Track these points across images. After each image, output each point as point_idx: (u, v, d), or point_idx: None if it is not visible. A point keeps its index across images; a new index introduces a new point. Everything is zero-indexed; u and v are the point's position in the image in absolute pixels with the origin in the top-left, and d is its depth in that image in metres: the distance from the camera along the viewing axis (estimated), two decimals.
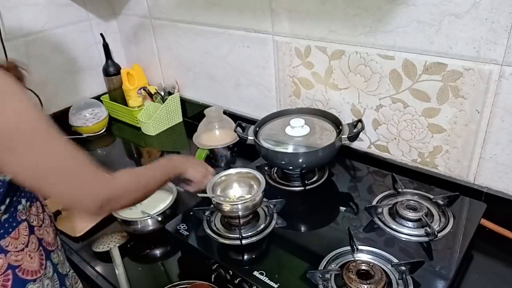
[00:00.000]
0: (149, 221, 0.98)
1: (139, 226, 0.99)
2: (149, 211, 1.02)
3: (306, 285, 0.74)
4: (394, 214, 0.89)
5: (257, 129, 1.10)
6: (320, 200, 1.00)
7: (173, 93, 1.56)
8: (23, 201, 0.73)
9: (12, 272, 0.70)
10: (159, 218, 0.98)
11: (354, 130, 1.01)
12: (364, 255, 0.79)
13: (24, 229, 0.73)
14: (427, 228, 0.83)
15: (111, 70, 1.63)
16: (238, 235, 0.85)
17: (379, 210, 0.91)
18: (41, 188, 0.65)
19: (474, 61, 0.85)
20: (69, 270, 0.85)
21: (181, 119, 1.62)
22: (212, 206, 0.96)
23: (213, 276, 0.85)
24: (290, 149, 1.02)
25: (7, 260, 0.70)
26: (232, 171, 0.99)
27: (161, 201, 1.07)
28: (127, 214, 1.03)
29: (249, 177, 0.97)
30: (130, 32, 1.66)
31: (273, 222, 0.91)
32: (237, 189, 0.98)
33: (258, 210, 0.94)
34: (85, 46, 1.63)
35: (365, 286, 0.71)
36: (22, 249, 0.72)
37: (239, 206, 0.89)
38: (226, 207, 0.90)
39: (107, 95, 1.70)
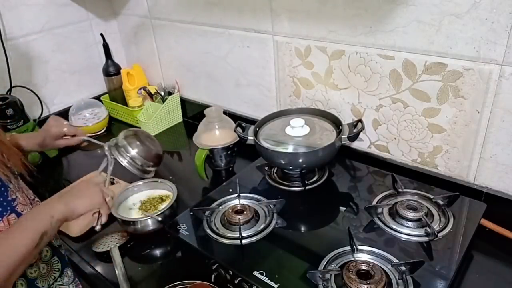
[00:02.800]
0: (149, 221, 0.98)
1: (139, 226, 0.99)
2: (149, 211, 1.03)
3: (306, 285, 0.74)
4: (394, 214, 0.89)
5: (257, 129, 1.10)
6: (320, 200, 1.00)
7: (173, 93, 1.56)
8: None
9: None
10: (159, 218, 0.98)
11: (354, 130, 1.01)
12: (364, 255, 0.79)
13: None
14: (427, 228, 0.83)
15: (111, 70, 1.63)
16: (238, 235, 0.85)
17: (379, 210, 0.91)
18: None
19: (474, 61, 0.85)
20: (54, 283, 0.78)
21: (181, 119, 1.62)
22: (212, 206, 0.96)
23: (213, 276, 0.85)
24: (290, 149, 1.02)
25: None
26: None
27: (161, 201, 1.07)
28: (127, 214, 1.03)
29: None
30: (130, 32, 1.66)
31: (273, 222, 0.91)
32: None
33: (258, 210, 0.94)
34: (85, 46, 1.63)
35: (365, 286, 0.71)
36: None
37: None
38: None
39: (107, 95, 1.70)
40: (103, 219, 0.83)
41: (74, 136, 1.12)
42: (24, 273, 0.73)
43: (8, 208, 0.71)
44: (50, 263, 0.79)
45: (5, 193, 0.72)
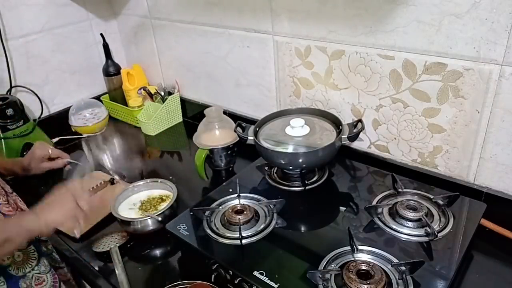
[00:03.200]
0: (149, 221, 0.98)
1: (139, 226, 0.99)
2: (149, 211, 1.02)
3: (306, 285, 0.74)
4: (394, 214, 0.89)
5: (257, 129, 1.10)
6: (320, 200, 1.00)
7: (173, 93, 1.56)
8: None
9: None
10: (159, 218, 0.98)
11: (354, 130, 1.01)
12: (364, 255, 0.79)
13: None
14: (427, 228, 0.83)
15: (111, 70, 1.63)
16: (238, 235, 0.85)
17: (379, 210, 0.91)
18: None
19: (474, 61, 0.85)
20: (30, 271, 0.78)
21: (181, 119, 1.62)
22: (212, 206, 0.96)
23: (213, 276, 0.84)
24: (290, 149, 1.02)
25: None
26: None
27: (161, 201, 1.07)
28: (127, 214, 1.03)
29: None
30: (130, 32, 1.66)
31: (273, 222, 0.91)
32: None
33: (258, 210, 0.94)
34: (85, 46, 1.63)
35: (365, 286, 0.71)
36: None
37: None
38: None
39: (107, 95, 1.70)
40: (81, 224, 0.81)
41: (58, 158, 1.17)
42: None
43: None
44: (26, 252, 0.79)
45: None
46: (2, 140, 1.27)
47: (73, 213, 0.78)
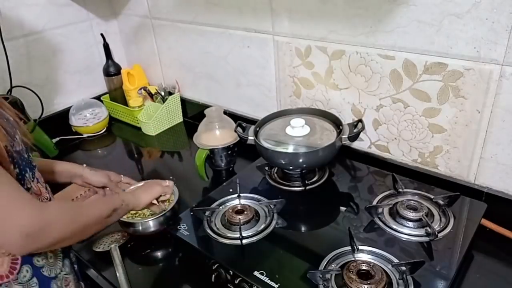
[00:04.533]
0: (151, 223, 0.98)
1: (140, 228, 0.98)
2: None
3: (306, 285, 0.74)
4: (395, 214, 0.89)
5: (258, 129, 1.10)
6: (321, 200, 1.00)
7: (174, 93, 1.56)
8: None
9: None
10: (161, 219, 0.98)
11: (355, 130, 1.01)
12: (365, 255, 0.79)
13: None
14: (428, 228, 0.83)
15: (112, 70, 1.63)
16: (238, 235, 0.85)
17: (380, 210, 0.91)
18: None
19: (475, 61, 0.85)
20: (60, 272, 0.81)
21: (181, 119, 1.62)
22: (212, 206, 0.96)
23: (213, 276, 0.84)
24: (290, 149, 1.02)
25: None
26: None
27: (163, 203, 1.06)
28: (129, 214, 1.03)
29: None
30: (131, 32, 1.66)
31: (274, 222, 0.91)
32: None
33: (258, 210, 0.94)
34: (86, 46, 1.63)
35: (366, 286, 0.71)
36: None
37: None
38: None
39: (107, 95, 1.70)
40: (165, 198, 1.01)
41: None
42: (31, 261, 0.75)
43: None
44: (56, 253, 0.80)
45: (22, 181, 0.73)
46: None
47: (161, 192, 0.98)
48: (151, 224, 0.98)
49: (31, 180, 0.76)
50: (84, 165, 1.04)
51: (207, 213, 0.94)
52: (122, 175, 1.09)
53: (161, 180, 1.02)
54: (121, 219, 0.99)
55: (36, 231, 0.63)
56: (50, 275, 0.78)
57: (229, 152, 1.23)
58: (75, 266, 0.90)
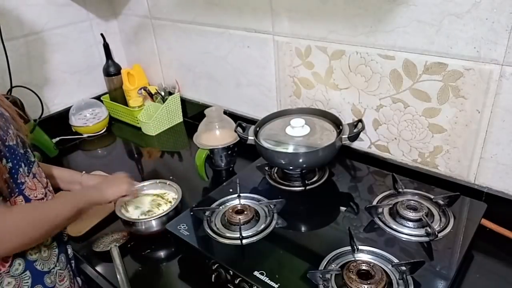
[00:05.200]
0: (153, 222, 0.98)
1: (142, 227, 0.98)
2: (153, 212, 1.02)
3: (306, 285, 0.74)
4: (395, 214, 0.89)
5: (258, 129, 1.10)
6: (321, 200, 1.00)
7: (174, 93, 1.56)
8: None
9: None
10: (164, 219, 0.98)
11: (355, 130, 1.01)
12: (365, 255, 0.79)
13: None
14: (428, 228, 0.83)
15: (112, 70, 1.63)
16: (238, 235, 0.85)
17: (380, 210, 0.91)
18: None
19: (475, 61, 0.85)
20: (54, 267, 0.82)
21: (181, 119, 1.62)
22: (212, 206, 0.96)
23: (213, 276, 0.84)
24: (290, 149, 1.02)
25: None
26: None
27: (165, 203, 1.07)
28: (130, 215, 1.03)
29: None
30: (131, 32, 1.66)
31: (274, 222, 0.91)
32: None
33: (258, 210, 0.94)
34: (86, 46, 1.63)
35: (366, 286, 0.71)
36: None
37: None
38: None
39: (107, 95, 1.70)
40: (125, 200, 1.00)
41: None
42: (23, 254, 0.75)
43: (16, 190, 0.75)
44: (50, 248, 0.80)
45: (15, 175, 0.74)
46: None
47: (126, 193, 0.96)
48: (154, 224, 0.98)
49: (25, 175, 0.77)
50: (83, 172, 1.04)
51: (207, 213, 0.94)
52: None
53: (131, 180, 1.01)
54: (123, 218, 0.99)
55: None
56: (43, 269, 0.78)
57: (229, 152, 1.23)
58: (72, 261, 0.90)
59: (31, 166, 0.80)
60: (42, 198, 0.81)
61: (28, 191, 0.77)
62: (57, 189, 0.96)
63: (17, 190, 0.75)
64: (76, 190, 0.97)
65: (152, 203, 1.07)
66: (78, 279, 0.91)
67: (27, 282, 0.75)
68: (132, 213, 1.03)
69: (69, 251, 0.89)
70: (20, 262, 0.75)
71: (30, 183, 0.78)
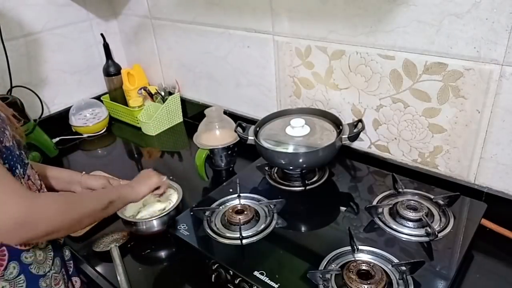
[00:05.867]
0: (154, 222, 0.98)
1: (144, 227, 0.98)
2: (154, 212, 1.02)
3: (306, 285, 0.74)
4: (395, 214, 0.89)
5: (258, 129, 1.10)
6: (321, 200, 1.00)
7: (174, 93, 1.56)
8: None
9: (6, 245, 0.70)
10: (165, 219, 0.98)
11: (355, 130, 1.01)
12: (365, 255, 0.79)
13: None
14: (428, 228, 0.83)
15: (112, 70, 1.63)
16: (238, 235, 0.85)
17: (380, 210, 0.91)
18: None
19: (475, 61, 0.85)
20: (49, 270, 0.81)
21: (181, 119, 1.62)
22: (212, 206, 0.96)
23: (213, 276, 0.84)
24: (290, 149, 1.02)
25: None
26: None
27: (167, 203, 1.06)
28: (131, 214, 1.03)
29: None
30: (131, 32, 1.66)
31: (274, 222, 0.91)
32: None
33: (258, 210, 0.94)
34: (86, 46, 1.63)
35: (366, 286, 0.71)
36: None
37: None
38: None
39: (107, 95, 1.70)
40: (160, 192, 1.00)
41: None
42: (19, 257, 0.74)
43: None
44: (45, 251, 0.80)
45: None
46: None
47: (159, 181, 0.97)
48: (155, 224, 0.98)
49: (21, 177, 0.76)
50: (83, 172, 1.03)
51: (207, 213, 0.94)
52: (120, 179, 1.08)
53: (157, 173, 1.01)
54: (124, 218, 0.99)
55: (25, 221, 0.63)
56: (38, 273, 0.77)
57: (229, 152, 1.23)
58: (69, 263, 0.89)
59: (26, 168, 0.79)
60: None
61: None
62: (55, 191, 0.96)
63: None
64: (109, 187, 0.99)
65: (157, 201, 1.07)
66: (77, 279, 0.91)
67: (22, 286, 0.74)
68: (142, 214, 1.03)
69: (66, 253, 0.89)
70: (15, 266, 0.74)
71: (25, 185, 0.77)
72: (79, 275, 0.93)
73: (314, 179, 1.06)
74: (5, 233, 0.64)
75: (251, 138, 1.06)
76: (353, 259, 0.78)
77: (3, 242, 0.71)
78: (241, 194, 0.99)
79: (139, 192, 0.92)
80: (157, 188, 0.97)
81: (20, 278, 0.74)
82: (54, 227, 0.69)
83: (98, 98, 1.68)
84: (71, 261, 0.90)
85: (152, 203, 1.06)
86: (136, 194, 0.91)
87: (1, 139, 0.72)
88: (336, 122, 1.06)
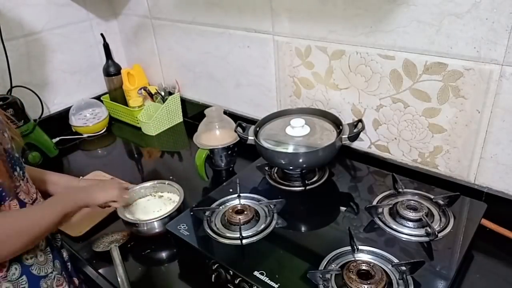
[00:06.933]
0: (155, 223, 0.98)
1: (145, 228, 0.98)
2: (155, 213, 1.02)
3: (306, 285, 0.74)
4: (395, 214, 0.89)
5: (258, 129, 1.10)
6: (321, 200, 1.00)
7: (174, 93, 1.56)
8: None
9: None
10: (166, 220, 0.98)
11: (355, 130, 1.01)
12: (365, 255, 0.79)
13: None
14: (428, 228, 0.83)
15: (112, 70, 1.63)
16: (238, 235, 0.85)
17: (380, 210, 0.91)
18: None
19: (475, 61, 0.85)
20: (52, 271, 0.81)
21: (181, 119, 1.62)
22: (212, 206, 0.96)
23: (213, 276, 0.84)
24: (290, 149, 1.02)
25: None
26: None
27: (168, 204, 1.07)
28: (132, 215, 1.03)
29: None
30: (131, 32, 1.66)
31: (274, 222, 0.91)
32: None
33: (258, 210, 0.94)
34: (86, 46, 1.63)
35: (366, 286, 0.71)
36: None
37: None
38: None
39: (107, 95, 1.70)
40: (117, 205, 0.96)
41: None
42: (20, 259, 0.75)
43: (11, 193, 0.74)
44: (45, 252, 0.80)
45: (11, 178, 0.74)
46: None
47: (116, 199, 0.93)
48: (156, 225, 0.98)
49: (20, 178, 0.77)
50: (81, 177, 1.03)
51: (207, 213, 0.94)
52: (120, 179, 1.08)
53: (126, 184, 0.99)
54: (125, 219, 0.99)
55: None
56: (39, 274, 0.78)
57: (229, 152, 1.23)
58: (68, 264, 0.89)
59: (24, 169, 0.80)
60: (35, 201, 0.80)
61: (23, 194, 0.77)
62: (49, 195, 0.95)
63: (11, 193, 0.74)
64: (64, 192, 0.93)
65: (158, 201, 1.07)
66: (75, 279, 0.91)
67: (24, 287, 0.75)
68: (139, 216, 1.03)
69: (64, 254, 0.89)
70: (17, 267, 0.74)
71: (25, 187, 0.78)
72: (78, 275, 0.94)
73: (314, 179, 1.06)
74: None
75: (251, 138, 1.06)
76: (353, 259, 0.78)
77: None
78: (241, 194, 0.99)
79: (95, 198, 0.89)
80: (113, 201, 0.94)
81: (22, 279, 0.75)
82: (12, 251, 0.70)
83: (98, 98, 1.68)
84: (69, 262, 0.90)
85: (154, 203, 1.06)
86: (92, 200, 0.89)
87: (1, 141, 0.72)
88: (336, 122, 1.06)
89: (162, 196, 1.10)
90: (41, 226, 0.74)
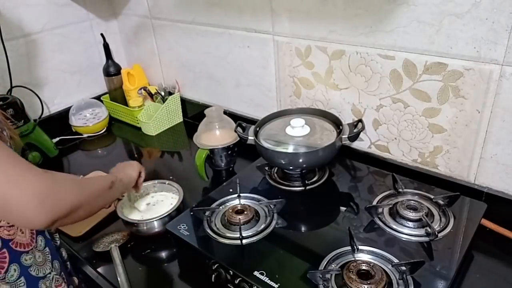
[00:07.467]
0: (155, 223, 0.98)
1: (144, 228, 0.98)
2: (156, 213, 1.02)
3: (306, 285, 0.74)
4: (395, 214, 0.89)
5: (258, 129, 1.10)
6: (321, 200, 1.00)
7: (174, 93, 1.56)
8: None
9: (6, 247, 0.71)
10: (166, 219, 0.98)
11: (355, 130, 1.01)
12: (365, 255, 0.79)
13: None
14: (428, 228, 0.83)
15: (112, 70, 1.63)
16: (238, 235, 0.85)
17: (380, 210, 0.91)
18: None
19: (475, 61, 0.85)
20: (50, 272, 0.80)
21: (181, 119, 1.62)
22: (212, 206, 0.96)
23: (213, 276, 0.84)
24: (290, 149, 1.02)
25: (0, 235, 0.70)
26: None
27: (168, 203, 1.07)
28: (132, 215, 1.03)
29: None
30: (131, 32, 1.66)
31: (274, 222, 0.91)
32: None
33: (258, 210, 0.94)
34: (86, 46, 1.63)
35: (366, 286, 0.71)
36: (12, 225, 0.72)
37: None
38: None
39: (107, 95, 1.70)
40: (142, 177, 1.05)
41: None
42: (19, 260, 0.75)
43: None
44: (44, 253, 0.80)
45: None
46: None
47: (140, 168, 1.02)
48: (156, 225, 0.98)
49: None
50: (81, 176, 1.03)
51: (207, 213, 0.94)
52: None
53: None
54: (125, 219, 0.99)
55: (49, 195, 0.64)
56: (38, 275, 0.78)
57: (229, 152, 1.23)
58: (67, 263, 0.89)
59: None
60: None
61: None
62: None
63: None
64: (105, 174, 1.01)
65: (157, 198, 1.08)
66: (74, 278, 0.91)
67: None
68: (135, 214, 1.03)
69: (63, 254, 0.89)
70: (16, 268, 0.74)
71: None
72: (78, 274, 0.93)
73: (314, 179, 1.06)
74: (32, 211, 0.62)
75: (251, 138, 1.06)
76: (353, 259, 0.78)
77: (31, 227, 0.73)
78: (241, 194, 0.99)
79: (131, 174, 0.97)
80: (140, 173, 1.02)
81: (20, 280, 0.74)
82: (76, 202, 0.69)
83: (98, 98, 1.68)
84: (68, 262, 0.90)
85: (154, 203, 1.06)
86: (129, 176, 0.96)
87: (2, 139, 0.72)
88: (336, 122, 1.06)
89: (162, 196, 1.10)
90: (94, 188, 0.79)
